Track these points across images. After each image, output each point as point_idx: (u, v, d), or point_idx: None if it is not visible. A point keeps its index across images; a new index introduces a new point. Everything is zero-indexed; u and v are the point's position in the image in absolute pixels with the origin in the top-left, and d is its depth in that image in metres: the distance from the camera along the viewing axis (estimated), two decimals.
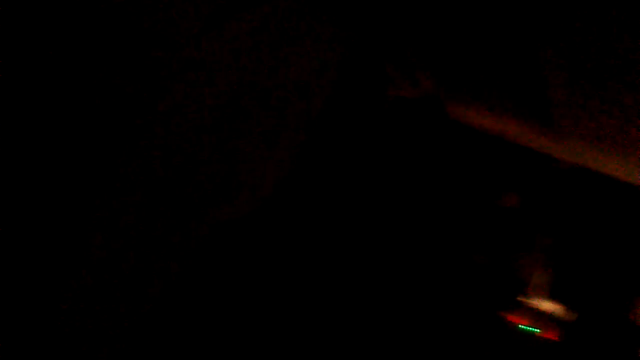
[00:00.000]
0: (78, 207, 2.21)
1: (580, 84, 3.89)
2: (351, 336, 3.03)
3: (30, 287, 2.00)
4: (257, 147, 2.94)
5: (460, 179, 4.79)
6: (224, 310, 2.85)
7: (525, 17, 3.07)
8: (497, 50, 3.46)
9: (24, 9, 2.07)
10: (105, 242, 2.27)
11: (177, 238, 2.55)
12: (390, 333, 3.32)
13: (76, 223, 2.19)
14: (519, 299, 4.40)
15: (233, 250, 2.87)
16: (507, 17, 3.29)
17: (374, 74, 3.71)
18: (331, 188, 3.38)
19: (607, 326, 3.83)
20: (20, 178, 2.09)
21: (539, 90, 4.40)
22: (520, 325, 4.45)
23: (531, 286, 4.40)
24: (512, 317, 4.51)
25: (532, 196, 4.49)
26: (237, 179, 2.85)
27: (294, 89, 3.02)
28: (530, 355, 4.35)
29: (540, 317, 4.49)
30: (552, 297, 4.58)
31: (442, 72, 4.78)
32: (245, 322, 2.82)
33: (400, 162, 3.54)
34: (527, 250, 4.25)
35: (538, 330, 4.38)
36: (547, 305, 4.64)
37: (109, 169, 2.27)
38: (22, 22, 2.09)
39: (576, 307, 3.97)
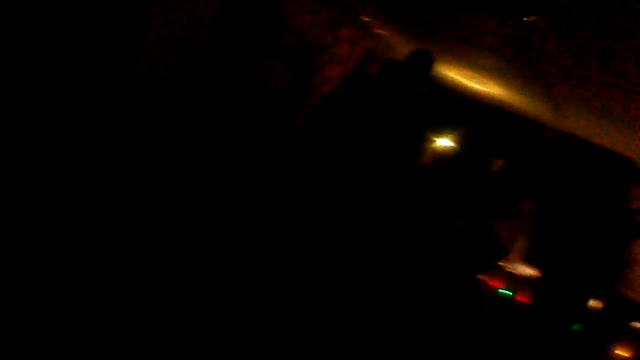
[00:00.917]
0: None
1: (574, 52, 3.88)
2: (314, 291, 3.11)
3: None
4: None
5: (444, 141, 4.82)
6: None
7: None
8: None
9: None
10: None
11: None
12: (368, 294, 3.40)
13: None
14: (498, 263, 4.47)
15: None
16: None
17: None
18: None
19: (578, 291, 3.90)
20: None
21: (532, 56, 4.38)
22: (499, 289, 4.54)
23: (511, 251, 4.47)
24: (491, 281, 4.60)
25: (518, 163, 4.51)
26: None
27: None
28: (506, 317, 4.45)
29: (517, 281, 4.57)
30: (530, 262, 4.65)
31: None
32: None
33: (385, 120, 3.55)
34: (509, 215, 4.29)
35: (512, 294, 4.46)
36: (524, 270, 4.72)
37: None
38: None
39: (551, 272, 4.04)
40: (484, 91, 5.15)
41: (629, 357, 4.32)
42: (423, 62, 3.34)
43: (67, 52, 3.10)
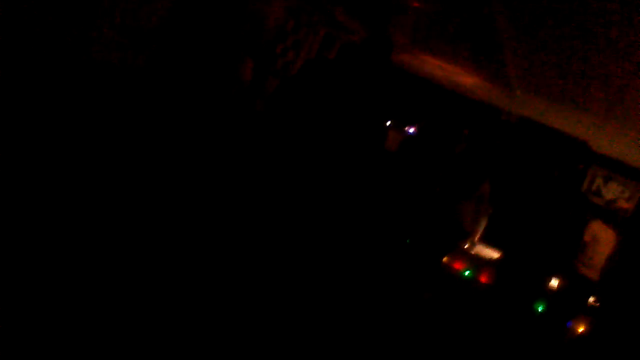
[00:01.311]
0: None
1: (527, 40, 3.96)
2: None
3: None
4: None
5: (406, 126, 4.88)
6: None
7: None
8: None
9: None
10: None
11: None
12: (336, 277, 3.41)
13: None
14: (460, 245, 4.56)
15: None
16: None
17: None
18: None
19: (539, 271, 4.01)
20: None
21: (491, 45, 4.46)
22: (461, 271, 4.63)
23: (472, 232, 4.56)
24: (454, 264, 4.69)
25: (478, 146, 4.59)
26: None
27: None
28: (469, 298, 4.54)
29: (478, 262, 4.68)
30: (491, 243, 4.76)
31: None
32: None
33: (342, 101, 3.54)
34: (469, 197, 4.37)
35: (472, 275, 4.56)
36: (485, 251, 4.83)
37: None
38: None
39: (512, 253, 4.14)
40: (446, 77, 5.22)
41: (585, 332, 4.49)
42: (381, 46, 3.33)
43: (21, 42, 2.99)
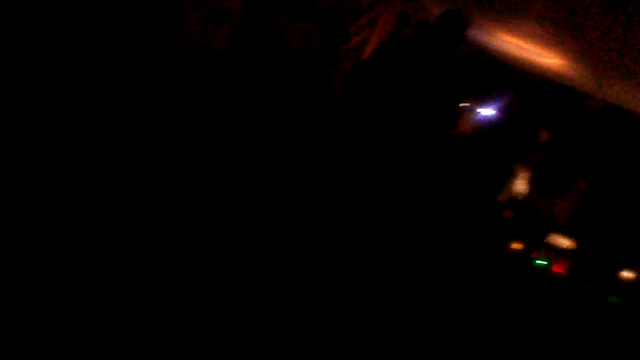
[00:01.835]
0: None
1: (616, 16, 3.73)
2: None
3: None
4: None
5: (484, 109, 4.71)
6: None
7: None
8: None
9: None
10: None
11: None
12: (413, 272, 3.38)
13: None
14: (542, 237, 4.40)
15: None
16: None
17: None
18: None
19: (614, 263, 3.86)
20: None
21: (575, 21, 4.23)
22: (535, 259, 4.48)
23: (553, 223, 4.40)
24: (533, 254, 4.54)
25: (561, 134, 4.42)
26: None
27: None
28: (542, 287, 4.42)
29: (553, 251, 4.51)
30: (568, 233, 4.59)
31: None
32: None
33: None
34: (553, 188, 4.21)
35: (548, 264, 4.40)
36: (561, 241, 4.66)
37: None
38: None
39: (588, 244, 3.99)
40: (528, 59, 5.02)
41: None
42: (455, 24, 3.21)
43: (110, 22, 3.09)
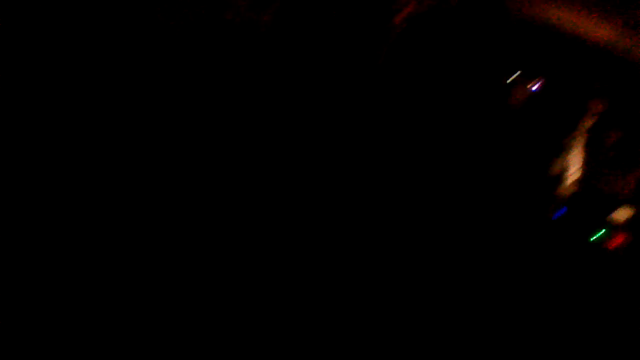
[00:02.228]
0: None
1: None
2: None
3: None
4: None
5: (533, 81, 4.60)
6: None
7: None
8: None
9: None
10: None
11: None
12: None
13: None
14: (605, 213, 4.27)
15: None
16: None
17: None
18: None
19: None
20: None
21: None
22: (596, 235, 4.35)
23: (616, 199, 4.26)
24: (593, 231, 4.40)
25: (617, 104, 4.29)
26: None
27: None
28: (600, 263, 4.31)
29: (612, 223, 4.38)
30: (628, 205, 4.45)
31: None
32: None
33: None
34: (615, 161, 4.09)
35: (604, 236, 4.25)
36: (621, 213, 4.52)
37: None
38: None
39: None
40: (580, 29, 4.89)
41: None
42: None
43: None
